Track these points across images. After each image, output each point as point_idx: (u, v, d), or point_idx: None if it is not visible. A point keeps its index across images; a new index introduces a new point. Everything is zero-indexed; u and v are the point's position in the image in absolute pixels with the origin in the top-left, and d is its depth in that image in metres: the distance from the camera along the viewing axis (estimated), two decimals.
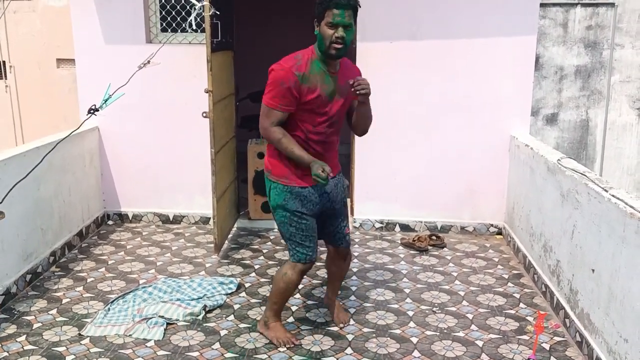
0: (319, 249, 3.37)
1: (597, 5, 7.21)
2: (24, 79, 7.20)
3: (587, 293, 3.23)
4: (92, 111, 2.56)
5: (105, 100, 2.52)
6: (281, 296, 3.32)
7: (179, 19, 5.13)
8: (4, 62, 7.25)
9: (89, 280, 4.17)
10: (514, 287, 4.11)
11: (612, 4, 7.18)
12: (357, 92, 2.95)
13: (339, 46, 2.94)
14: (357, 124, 3.25)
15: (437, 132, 5.02)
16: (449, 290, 4.04)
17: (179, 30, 5.15)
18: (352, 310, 3.72)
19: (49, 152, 3.16)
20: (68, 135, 3.25)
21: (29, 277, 4.04)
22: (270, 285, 4.02)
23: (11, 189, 2.71)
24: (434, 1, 4.83)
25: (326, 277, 4.03)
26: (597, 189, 3.13)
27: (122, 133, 5.25)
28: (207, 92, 4.25)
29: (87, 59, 5.15)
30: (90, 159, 5.09)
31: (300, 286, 4.04)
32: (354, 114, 3.23)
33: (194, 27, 4.16)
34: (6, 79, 7.27)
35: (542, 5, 6.99)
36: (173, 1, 5.12)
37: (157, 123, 5.20)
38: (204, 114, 4.32)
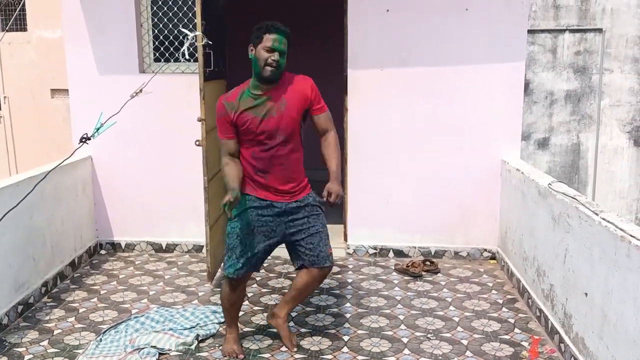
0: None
1: (585, 31, 7.33)
2: (18, 109, 7.25)
3: (581, 317, 3.22)
4: (84, 140, 2.58)
5: (97, 129, 2.54)
6: (223, 309, 3.53)
7: (172, 49, 5.18)
8: None
9: (80, 310, 4.14)
10: (508, 312, 4.09)
11: (600, 30, 7.30)
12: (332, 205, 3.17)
13: (273, 68, 3.14)
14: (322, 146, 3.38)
15: (428, 158, 5.05)
16: (444, 316, 4.02)
17: (172, 60, 5.20)
18: (346, 338, 3.70)
19: (40, 180, 3.17)
20: (60, 163, 3.26)
21: (20, 307, 4.01)
22: (263, 314, 4.04)
23: (2, 218, 2.72)
24: (424, 29, 4.90)
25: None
26: (587, 213, 3.15)
27: (115, 162, 5.26)
28: (200, 121, 4.27)
29: (80, 89, 5.18)
30: (83, 188, 5.09)
31: (292, 314, 4.01)
32: (324, 156, 3.36)
33: (187, 56, 4.20)
34: (0, 109, 7.30)
35: (531, 31, 7.10)
36: (166, 31, 5.18)
37: (150, 152, 5.22)
38: (197, 142, 4.34)
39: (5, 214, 2.85)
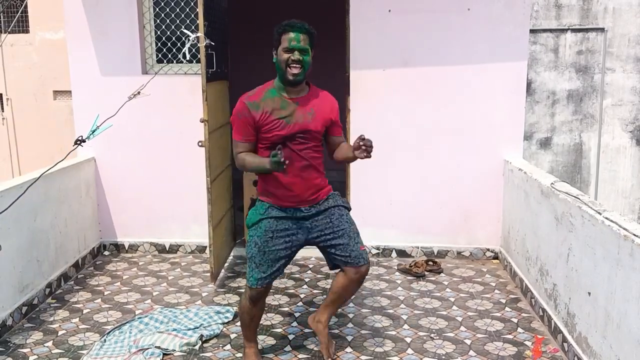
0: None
1: (587, 30, 7.33)
2: (20, 111, 7.26)
3: (584, 316, 3.23)
4: (79, 142, 2.57)
5: (93, 131, 2.53)
6: (242, 324, 3.32)
7: (174, 50, 5.19)
8: (0, 94, 7.31)
9: (85, 311, 4.15)
10: (511, 312, 4.10)
11: (602, 29, 7.29)
12: (362, 154, 2.91)
13: (296, 70, 2.97)
14: (338, 160, 3.25)
15: (431, 158, 5.05)
16: (447, 316, 4.03)
17: (175, 61, 5.21)
18: (349, 338, 3.70)
19: (31, 184, 3.17)
20: (52, 167, 3.25)
21: (24, 309, 4.02)
22: (266, 314, 4.04)
23: None
24: (426, 29, 4.91)
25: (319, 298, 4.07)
26: (590, 212, 3.15)
27: (118, 163, 5.28)
28: (202, 122, 4.28)
29: (83, 91, 5.20)
30: (86, 189, 5.10)
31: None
32: (340, 153, 3.21)
33: (188, 57, 4.22)
34: (3, 111, 7.31)
35: (533, 31, 7.10)
36: (168, 32, 5.19)
37: (153, 153, 5.23)
38: (200, 143, 4.35)
39: None
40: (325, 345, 3.36)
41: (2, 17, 7.21)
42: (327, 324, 3.38)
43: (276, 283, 4.62)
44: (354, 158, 3.01)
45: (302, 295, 4.37)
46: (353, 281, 3.22)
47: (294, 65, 2.96)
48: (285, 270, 4.84)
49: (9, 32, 6.98)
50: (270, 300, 4.29)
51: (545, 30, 7.32)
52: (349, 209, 3.32)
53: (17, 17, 6.99)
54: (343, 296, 3.32)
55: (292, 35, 2.96)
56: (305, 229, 3.16)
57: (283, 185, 3.10)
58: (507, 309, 4.15)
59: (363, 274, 3.22)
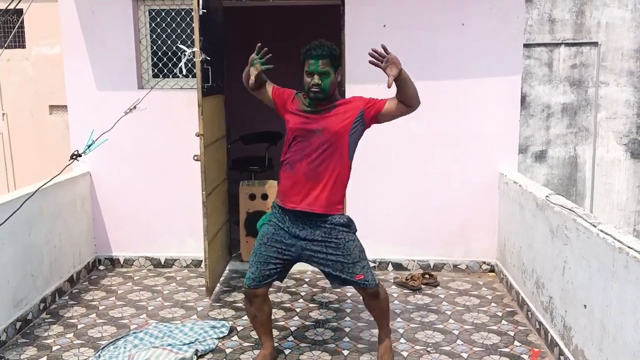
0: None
1: (580, 44, 7.38)
2: (16, 126, 7.26)
3: (580, 329, 3.22)
4: (74, 157, 2.59)
5: (89, 146, 2.55)
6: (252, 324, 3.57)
7: (170, 64, 5.21)
8: None
9: (79, 326, 4.12)
10: (508, 325, 4.09)
11: (596, 43, 7.34)
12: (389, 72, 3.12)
13: (316, 90, 3.16)
14: (403, 99, 3.36)
15: (427, 171, 5.06)
16: (443, 329, 4.02)
17: (171, 76, 5.23)
18: (345, 352, 3.69)
19: (27, 199, 3.17)
20: (48, 181, 3.25)
21: (19, 324, 3.99)
22: None
23: None
24: (421, 43, 4.94)
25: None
26: (585, 225, 3.16)
27: (113, 178, 5.27)
28: (198, 136, 4.29)
29: (79, 105, 5.20)
30: (81, 204, 5.09)
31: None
32: (397, 96, 3.33)
33: (184, 72, 4.23)
34: None
35: (527, 45, 7.15)
36: (165, 47, 5.21)
37: (149, 167, 5.23)
38: (195, 157, 4.35)
39: None
40: (379, 356, 3.51)
41: None
42: (383, 337, 3.52)
43: (272, 297, 4.60)
44: (400, 86, 3.28)
45: (297, 310, 4.36)
46: (365, 298, 3.44)
47: (314, 88, 3.15)
48: (281, 284, 4.84)
49: (6, 48, 6.99)
50: None
51: (539, 45, 7.37)
52: (352, 232, 3.40)
53: (13, 32, 7.01)
54: (372, 313, 3.54)
55: (311, 61, 3.14)
56: (299, 247, 3.27)
57: (286, 166, 3.27)
58: (503, 322, 4.14)
59: (369, 293, 3.36)
